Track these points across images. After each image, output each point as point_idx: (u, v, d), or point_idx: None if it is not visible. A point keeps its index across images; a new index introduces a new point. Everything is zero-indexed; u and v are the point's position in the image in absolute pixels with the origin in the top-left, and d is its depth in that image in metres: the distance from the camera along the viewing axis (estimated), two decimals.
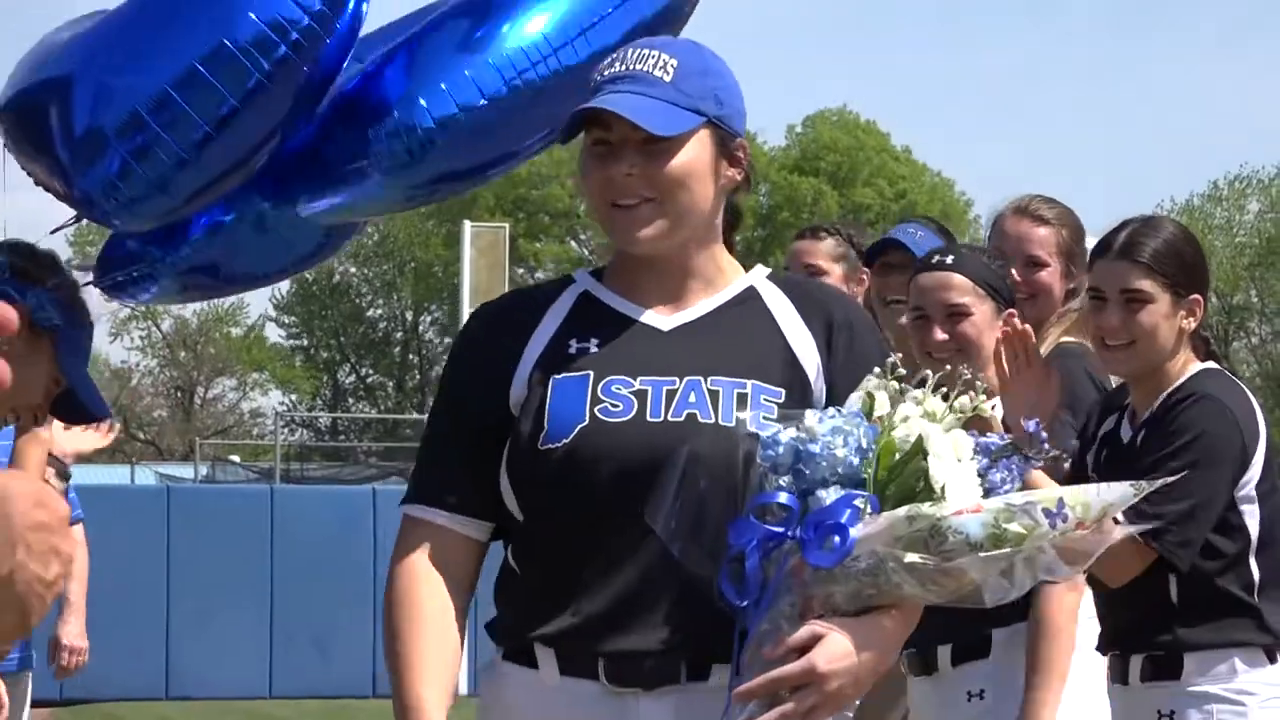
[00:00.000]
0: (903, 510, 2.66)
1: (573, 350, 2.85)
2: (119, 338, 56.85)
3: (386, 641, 2.91)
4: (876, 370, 2.77)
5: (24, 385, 3.94)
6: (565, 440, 2.77)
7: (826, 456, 2.63)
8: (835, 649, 2.58)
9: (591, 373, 2.80)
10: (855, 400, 2.78)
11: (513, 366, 2.89)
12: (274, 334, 63.04)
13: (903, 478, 2.76)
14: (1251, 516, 4.56)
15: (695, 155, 2.83)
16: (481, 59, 4.11)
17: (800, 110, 71.23)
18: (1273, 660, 4.51)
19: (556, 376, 2.83)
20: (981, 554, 2.69)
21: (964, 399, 2.81)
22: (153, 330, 57.20)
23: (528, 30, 4.32)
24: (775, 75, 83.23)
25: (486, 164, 4.45)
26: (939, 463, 2.71)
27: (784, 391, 2.81)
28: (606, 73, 2.90)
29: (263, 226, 4.40)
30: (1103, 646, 4.66)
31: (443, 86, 3.99)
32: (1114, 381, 5.11)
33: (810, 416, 2.69)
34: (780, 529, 2.58)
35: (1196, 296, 4.67)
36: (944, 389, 2.79)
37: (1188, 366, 4.62)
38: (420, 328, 62.92)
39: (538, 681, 2.81)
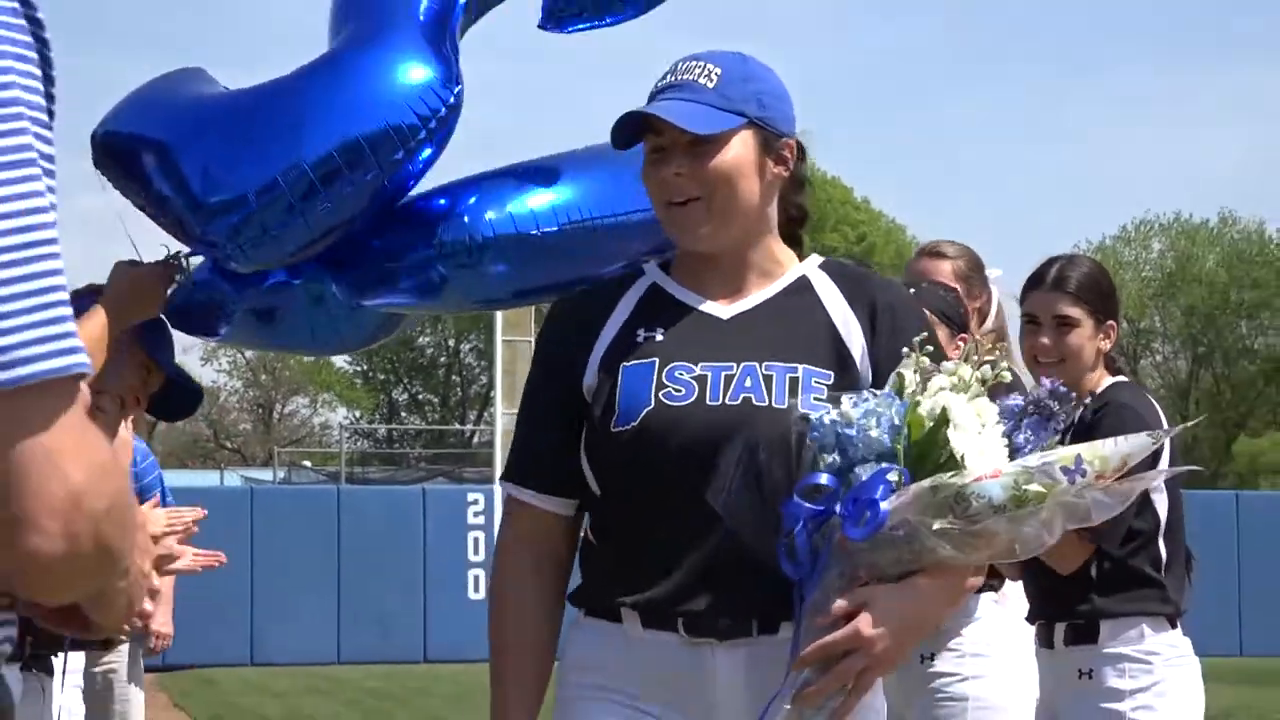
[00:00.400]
0: (927, 481, 2.54)
1: (640, 339, 2.75)
2: (209, 362, 57.00)
3: (491, 632, 2.85)
4: (905, 350, 2.64)
5: (114, 368, 3.81)
6: (633, 423, 2.68)
7: (862, 438, 2.54)
8: (879, 614, 2.49)
9: (657, 359, 2.70)
10: (892, 380, 2.66)
11: (585, 356, 2.79)
12: (340, 360, 63.40)
13: (932, 449, 2.65)
14: (1161, 504, 4.57)
15: (738, 154, 2.72)
16: (546, 197, 3.82)
17: None
18: (1174, 626, 4.52)
19: (625, 364, 2.74)
20: (1006, 515, 2.59)
21: (985, 368, 2.70)
22: (238, 356, 57.20)
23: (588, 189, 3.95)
24: None
25: (565, 283, 4.00)
26: (958, 432, 2.60)
27: (833, 374, 2.68)
28: (659, 84, 2.82)
29: (320, 301, 4.14)
30: (1031, 616, 4.65)
31: (508, 208, 3.74)
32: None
33: (845, 401, 2.57)
34: (823, 507, 2.48)
35: (1112, 322, 4.72)
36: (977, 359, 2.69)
37: (1103, 380, 4.65)
38: (461, 353, 62.97)
39: (622, 634, 2.71)
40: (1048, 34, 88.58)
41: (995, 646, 4.78)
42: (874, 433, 2.57)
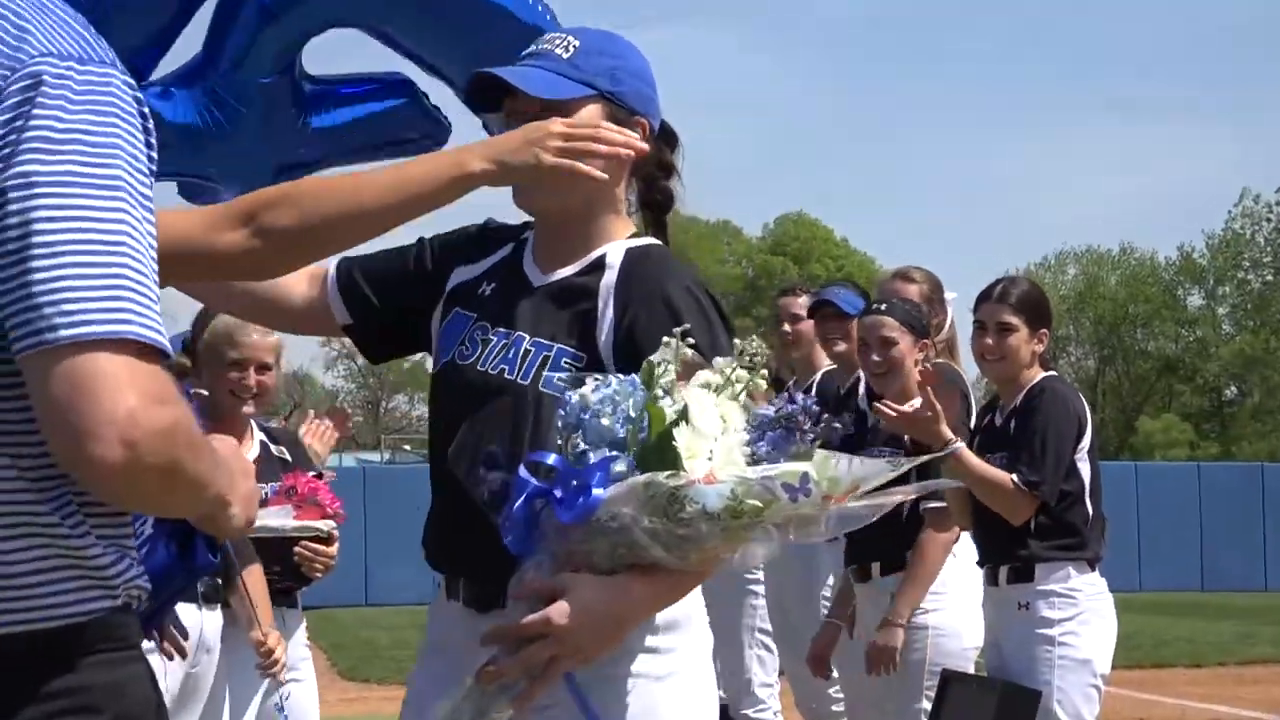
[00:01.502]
0: (643, 477, 1.97)
1: (483, 291, 2.26)
2: (330, 370, 57.71)
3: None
4: (666, 340, 2.01)
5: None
6: (436, 370, 2.28)
7: (594, 424, 1.99)
8: (575, 603, 1.92)
9: (475, 315, 2.22)
10: (643, 369, 2.06)
11: (443, 286, 2.31)
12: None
13: (667, 444, 2.03)
14: (1085, 473, 4.55)
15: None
16: None
17: (771, 211, 71.56)
18: (1094, 569, 4.49)
19: (459, 310, 2.27)
20: (720, 524, 2.00)
21: (741, 371, 2.09)
22: (353, 364, 57.64)
23: None
24: (753, 183, 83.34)
25: None
26: (688, 431, 2.00)
27: (585, 356, 2.14)
28: (523, 52, 2.33)
29: None
30: (980, 561, 4.62)
31: None
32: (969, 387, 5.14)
33: (589, 385, 2.01)
34: (545, 485, 1.94)
35: (1045, 330, 4.68)
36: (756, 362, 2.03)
37: (1036, 374, 4.61)
38: None
39: (440, 603, 2.28)
40: (992, 94, 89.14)
41: (950, 585, 4.76)
42: (605, 420, 2.03)
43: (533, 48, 2.31)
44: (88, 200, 1.27)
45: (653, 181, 2.40)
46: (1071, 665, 4.37)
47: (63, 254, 1.24)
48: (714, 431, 1.97)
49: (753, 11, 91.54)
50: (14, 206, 1.25)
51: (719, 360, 2.03)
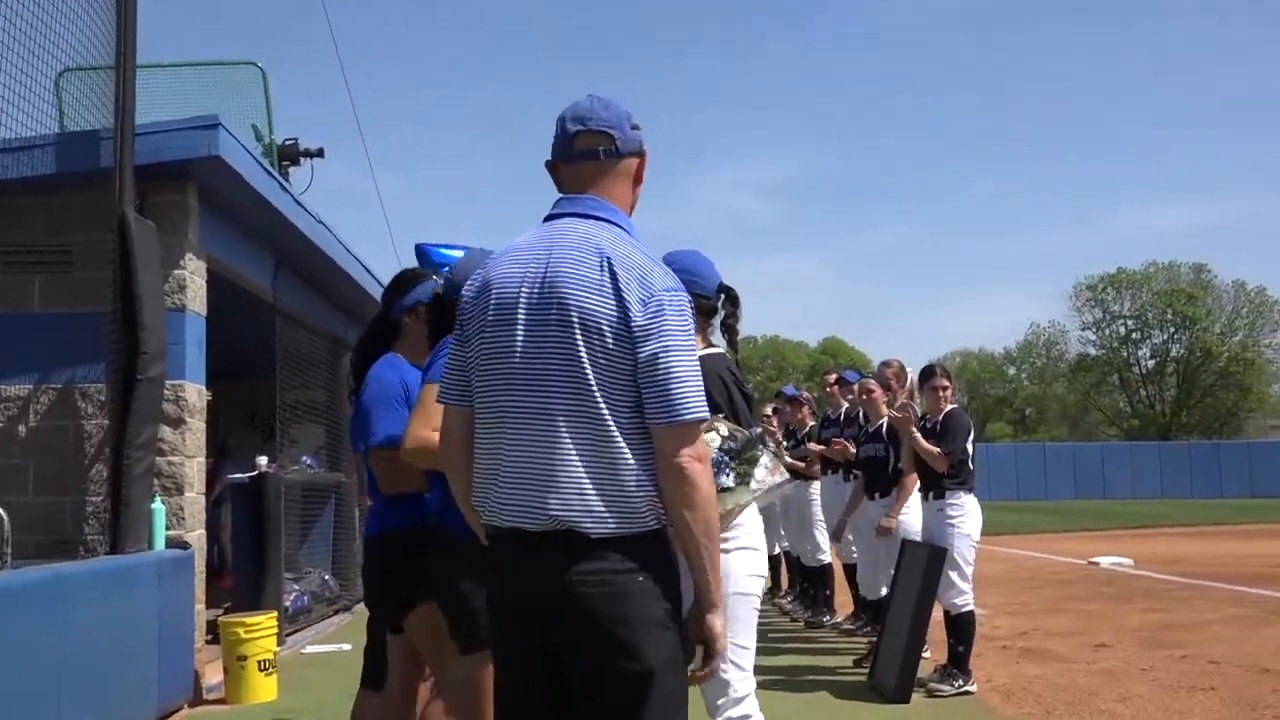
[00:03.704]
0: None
1: None
2: None
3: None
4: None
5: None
6: None
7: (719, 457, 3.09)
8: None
9: None
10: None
11: None
12: None
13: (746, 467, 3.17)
14: (970, 446, 6.66)
15: None
16: None
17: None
18: (971, 493, 6.62)
19: None
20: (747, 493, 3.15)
21: (727, 425, 3.17)
22: None
23: None
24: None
25: None
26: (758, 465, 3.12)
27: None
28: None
29: None
30: (922, 491, 6.88)
31: None
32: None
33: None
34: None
35: (951, 386, 6.88)
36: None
37: (948, 406, 6.83)
38: None
39: None
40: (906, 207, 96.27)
41: (909, 506, 7.31)
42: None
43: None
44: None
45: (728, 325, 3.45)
46: (960, 536, 6.61)
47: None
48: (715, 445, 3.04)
49: None
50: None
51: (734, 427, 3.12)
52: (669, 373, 2.25)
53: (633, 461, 2.28)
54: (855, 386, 8.40)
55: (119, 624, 5.84)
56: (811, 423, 10.13)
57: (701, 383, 2.31)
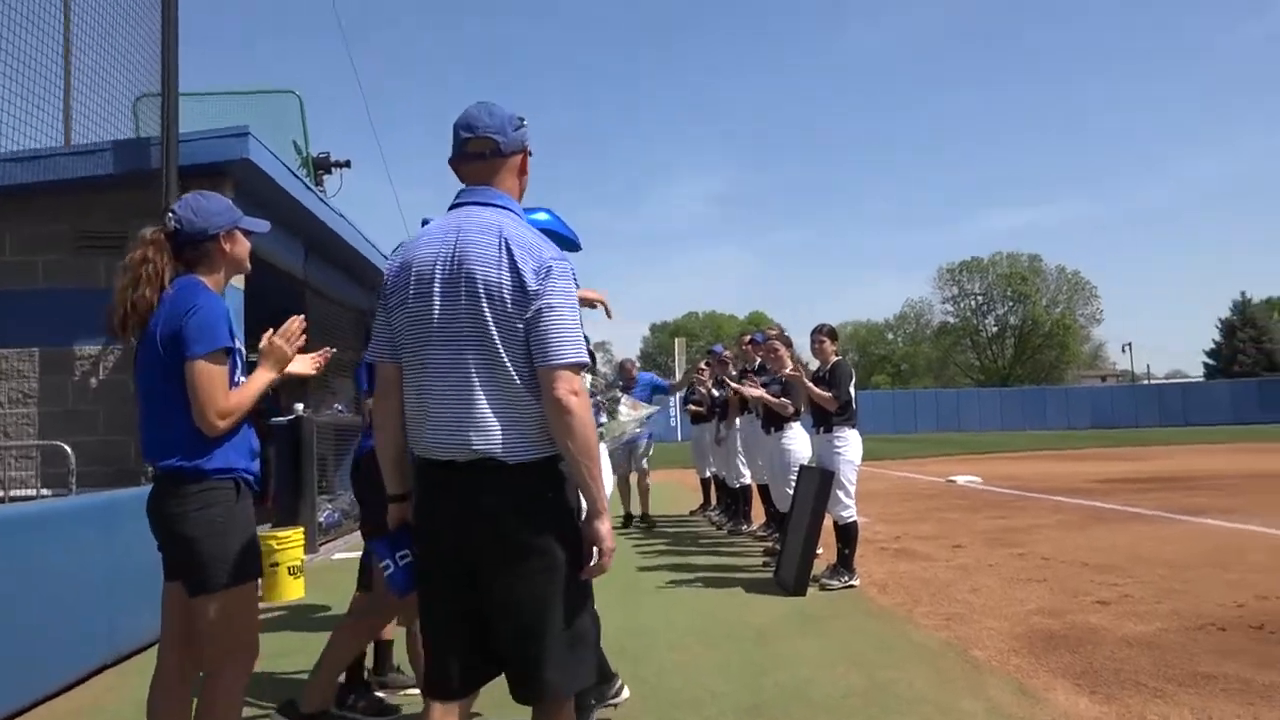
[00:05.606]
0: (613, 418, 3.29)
1: None
2: None
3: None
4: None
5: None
6: None
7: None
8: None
9: None
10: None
11: None
12: None
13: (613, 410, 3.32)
14: (853, 391, 6.40)
15: None
16: None
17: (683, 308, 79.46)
18: (854, 428, 6.34)
19: None
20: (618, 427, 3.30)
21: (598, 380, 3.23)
22: None
23: None
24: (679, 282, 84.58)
25: None
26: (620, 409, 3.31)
27: None
28: None
29: None
30: (814, 425, 6.55)
31: None
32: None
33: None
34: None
35: (835, 341, 6.46)
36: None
37: (834, 356, 6.47)
38: None
39: None
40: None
41: (803, 438, 7.14)
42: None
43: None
44: None
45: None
46: (845, 462, 6.35)
47: None
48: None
49: None
50: None
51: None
52: (550, 324, 2.22)
53: (534, 401, 2.26)
54: (763, 346, 8.26)
55: None
56: (734, 372, 9.93)
57: (580, 334, 2.27)
